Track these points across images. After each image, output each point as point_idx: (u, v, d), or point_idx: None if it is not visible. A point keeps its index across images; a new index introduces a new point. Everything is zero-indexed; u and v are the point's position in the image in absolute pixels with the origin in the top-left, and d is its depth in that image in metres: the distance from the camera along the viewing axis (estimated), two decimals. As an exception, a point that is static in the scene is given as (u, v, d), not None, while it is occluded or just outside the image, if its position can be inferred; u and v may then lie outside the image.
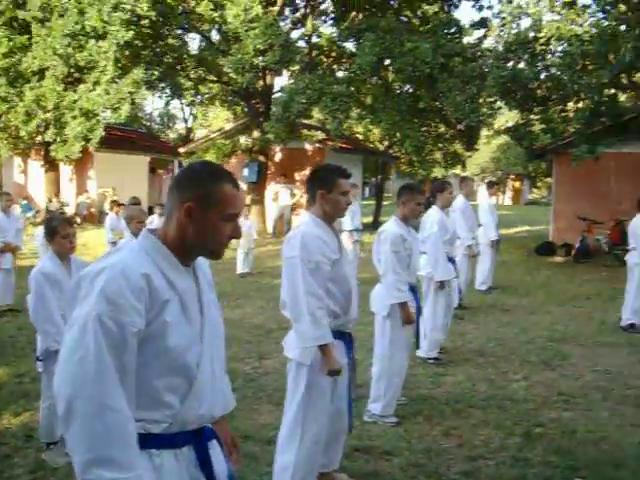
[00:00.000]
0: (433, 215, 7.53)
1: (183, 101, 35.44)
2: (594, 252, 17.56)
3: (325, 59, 22.07)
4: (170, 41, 21.27)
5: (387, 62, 19.59)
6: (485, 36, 20.86)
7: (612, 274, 15.01)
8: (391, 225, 5.72)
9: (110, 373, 1.94)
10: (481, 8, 20.79)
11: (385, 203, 29.69)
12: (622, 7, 15.45)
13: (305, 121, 22.25)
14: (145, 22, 19.06)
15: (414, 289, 5.83)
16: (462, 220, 10.32)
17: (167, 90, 23.79)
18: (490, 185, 13.55)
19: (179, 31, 21.62)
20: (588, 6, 16.43)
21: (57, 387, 1.98)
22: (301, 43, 20.98)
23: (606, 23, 15.63)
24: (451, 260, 7.83)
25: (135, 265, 2.07)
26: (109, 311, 1.97)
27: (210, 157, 21.98)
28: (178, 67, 21.89)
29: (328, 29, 22.67)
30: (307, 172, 22.07)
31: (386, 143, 28.66)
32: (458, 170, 38.14)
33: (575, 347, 8.43)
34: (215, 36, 21.55)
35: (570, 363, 7.66)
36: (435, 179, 39.00)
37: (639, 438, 5.46)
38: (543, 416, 5.91)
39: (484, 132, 29.38)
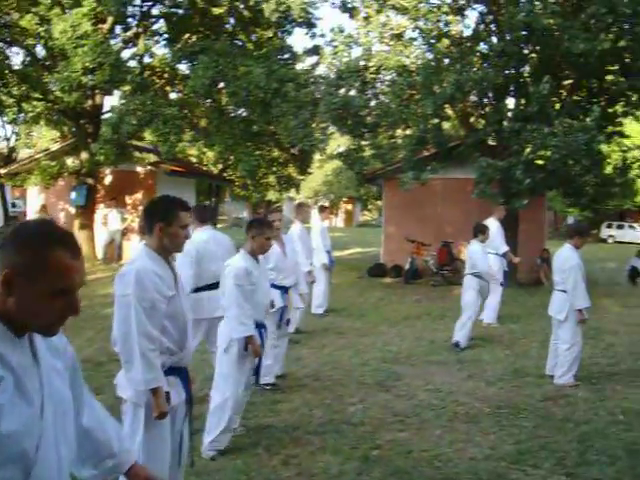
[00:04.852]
0: None
1: (5, 119, 33.38)
2: (423, 273, 18.31)
3: (158, 80, 21.61)
4: (-10, 55, 19.98)
5: (221, 85, 19.50)
6: (318, 63, 21.31)
7: (440, 294, 15.71)
8: (237, 258, 5.61)
9: None
10: (314, 35, 21.25)
11: (219, 226, 29.47)
12: (445, 41, 16.33)
13: (136, 143, 21.65)
14: (-39, 34, 17.84)
15: (262, 324, 5.72)
16: (300, 246, 10.32)
17: (-14, 107, 22.26)
18: (322, 209, 13.77)
19: (0, 44, 20.37)
20: (415, 39, 17.20)
21: None
22: (133, 63, 20.44)
23: (431, 56, 16.45)
24: (281, 288, 7.76)
25: None
26: None
27: (34, 179, 20.81)
28: (-1, 83, 20.59)
29: (161, 50, 22.27)
30: (139, 195, 21.49)
31: (220, 166, 28.55)
32: (292, 193, 38.70)
33: (408, 367, 8.66)
34: (40, 52, 20.52)
35: (404, 383, 7.83)
36: (270, 202, 39.40)
37: (470, 453, 5.65)
38: (380, 438, 5.97)
39: (317, 156, 30.01)
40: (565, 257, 7.99)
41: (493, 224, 11.80)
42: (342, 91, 17.14)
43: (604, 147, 17.70)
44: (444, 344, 10.01)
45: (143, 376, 3.63)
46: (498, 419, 6.57)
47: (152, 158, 20.67)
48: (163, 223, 3.77)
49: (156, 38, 21.91)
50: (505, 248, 12.06)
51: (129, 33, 20.90)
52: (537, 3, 15.02)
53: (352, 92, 17.24)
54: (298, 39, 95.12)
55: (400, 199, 19.19)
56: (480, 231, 10.16)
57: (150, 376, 3.64)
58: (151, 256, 3.79)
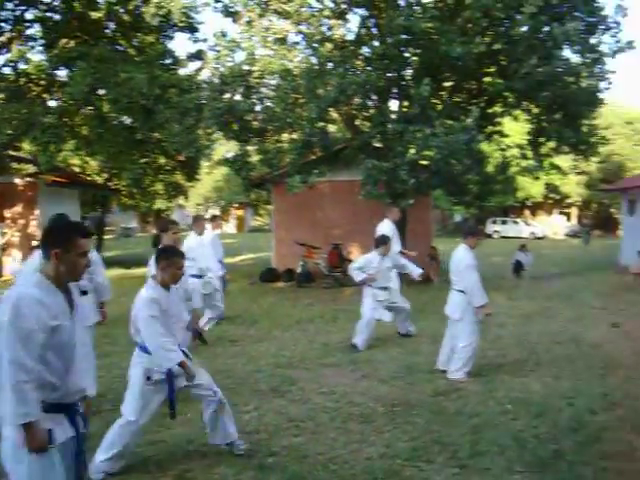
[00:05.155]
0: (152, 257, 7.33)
1: None
2: (314, 276, 18.38)
3: (34, 87, 20.80)
4: None
5: (101, 92, 18.96)
6: (201, 68, 21.05)
7: (332, 296, 15.80)
8: (145, 290, 5.36)
9: None
10: (196, 40, 21.00)
11: (107, 237, 28.65)
12: (328, 45, 16.44)
13: (13, 153, 20.74)
14: None
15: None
16: (203, 255, 10.48)
17: None
18: (213, 218, 13.72)
19: None
20: (298, 43, 17.24)
21: None
22: (6, 70, 19.60)
23: (314, 60, 16.53)
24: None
25: None
26: None
27: None
28: None
29: (37, 55, 21.45)
30: (18, 209, 20.57)
31: (105, 175, 27.75)
32: (181, 201, 38.10)
33: (302, 371, 8.62)
34: None
35: (298, 387, 7.79)
36: (159, 211, 38.62)
37: (366, 453, 5.66)
38: (275, 445, 5.90)
39: (205, 162, 29.70)
40: (460, 257, 8.21)
41: (387, 226, 12.03)
42: (226, 96, 16.99)
43: (484, 146, 18.35)
44: (337, 346, 10.05)
45: (14, 410, 3.30)
46: (392, 417, 6.63)
47: (31, 169, 19.85)
48: (60, 250, 3.47)
49: (31, 43, 21.09)
50: (398, 248, 12.30)
51: (2, 38, 20.03)
52: (416, 8, 15.37)
53: (237, 97, 17.11)
54: (181, 44, 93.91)
55: (289, 203, 19.22)
56: (382, 243, 10.24)
57: (22, 410, 3.31)
58: (40, 282, 3.48)
